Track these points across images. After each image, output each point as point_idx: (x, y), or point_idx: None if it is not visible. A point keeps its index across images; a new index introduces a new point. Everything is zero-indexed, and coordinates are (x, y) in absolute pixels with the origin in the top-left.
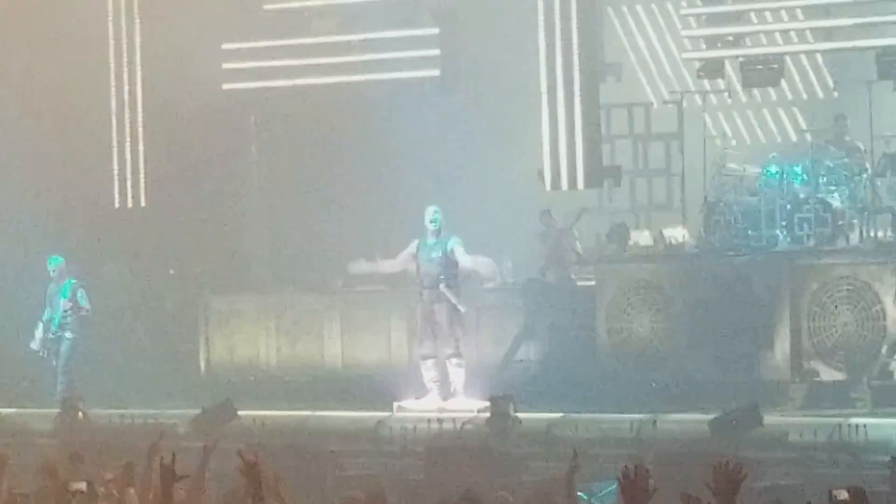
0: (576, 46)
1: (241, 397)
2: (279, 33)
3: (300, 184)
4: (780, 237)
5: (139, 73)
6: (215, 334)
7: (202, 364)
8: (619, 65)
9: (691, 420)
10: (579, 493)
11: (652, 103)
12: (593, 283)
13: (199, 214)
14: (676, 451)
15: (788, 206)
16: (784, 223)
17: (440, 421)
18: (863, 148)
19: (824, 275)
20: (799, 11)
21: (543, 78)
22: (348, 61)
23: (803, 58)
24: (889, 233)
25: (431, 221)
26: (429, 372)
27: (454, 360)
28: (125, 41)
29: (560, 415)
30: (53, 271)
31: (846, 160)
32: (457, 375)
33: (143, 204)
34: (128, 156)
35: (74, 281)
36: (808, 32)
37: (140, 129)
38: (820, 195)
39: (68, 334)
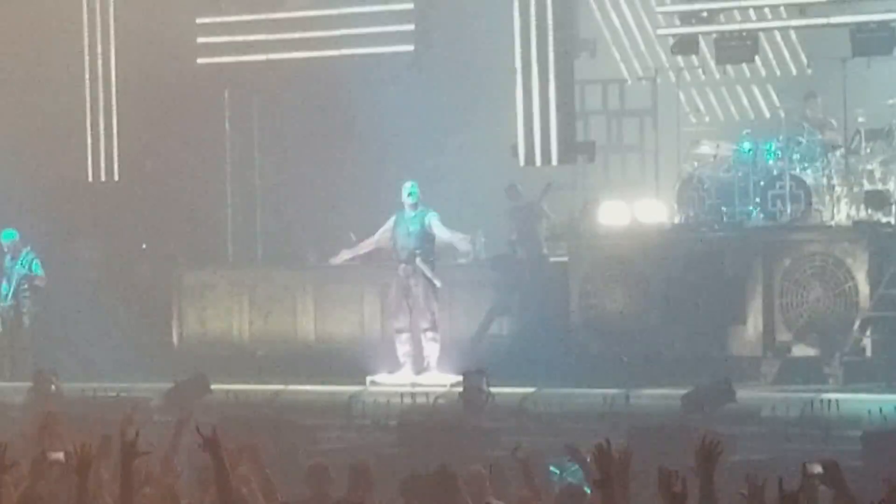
0: (550, 22)
1: (214, 371)
2: (254, 7)
3: (274, 158)
4: (754, 213)
5: (113, 47)
6: (188, 308)
7: (175, 338)
8: (594, 41)
9: (664, 395)
10: (551, 468)
11: (626, 79)
12: (566, 258)
13: (172, 189)
14: (649, 425)
15: (762, 183)
16: (758, 199)
17: (413, 395)
18: (836, 125)
19: (797, 251)
20: None
21: (518, 54)
22: (323, 36)
23: (777, 34)
24: (861, 209)
25: (409, 195)
26: (403, 346)
27: (429, 334)
28: (99, 14)
29: (532, 389)
30: (7, 247)
31: (819, 137)
32: (431, 350)
33: (116, 178)
34: (101, 130)
35: (30, 251)
36: (782, 9)
37: (114, 104)
38: (793, 172)
39: (27, 307)
